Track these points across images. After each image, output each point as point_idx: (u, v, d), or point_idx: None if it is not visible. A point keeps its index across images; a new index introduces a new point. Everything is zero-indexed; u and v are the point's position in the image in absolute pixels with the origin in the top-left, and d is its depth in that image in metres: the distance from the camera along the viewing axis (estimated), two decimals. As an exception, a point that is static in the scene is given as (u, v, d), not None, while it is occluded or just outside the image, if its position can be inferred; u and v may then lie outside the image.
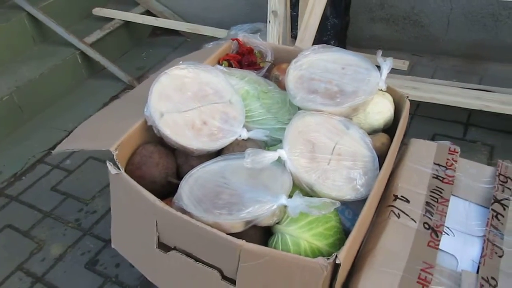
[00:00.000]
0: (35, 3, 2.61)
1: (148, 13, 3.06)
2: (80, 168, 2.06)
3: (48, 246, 1.70)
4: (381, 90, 1.19)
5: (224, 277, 0.95)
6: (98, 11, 2.95)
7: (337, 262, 0.84)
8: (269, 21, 2.02)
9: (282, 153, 1.01)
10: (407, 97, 1.21)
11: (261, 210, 0.91)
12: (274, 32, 2.02)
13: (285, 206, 0.93)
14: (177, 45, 3.00)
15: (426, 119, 2.09)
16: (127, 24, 2.93)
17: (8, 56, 2.53)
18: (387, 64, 1.17)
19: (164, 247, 1.02)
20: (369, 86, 1.16)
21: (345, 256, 0.85)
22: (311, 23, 1.96)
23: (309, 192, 1.02)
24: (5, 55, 2.52)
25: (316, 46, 1.26)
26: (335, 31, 2.39)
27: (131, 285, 1.53)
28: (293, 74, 1.21)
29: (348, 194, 1.01)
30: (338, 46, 2.37)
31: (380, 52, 1.19)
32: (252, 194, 0.95)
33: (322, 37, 2.42)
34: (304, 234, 0.93)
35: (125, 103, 1.37)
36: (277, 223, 0.98)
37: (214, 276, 0.94)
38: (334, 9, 2.33)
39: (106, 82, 2.67)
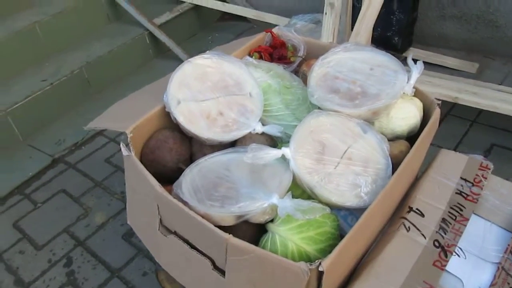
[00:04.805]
0: (111, -17, 2.76)
1: (219, -3, 3.10)
2: (132, 144, 2.16)
3: (93, 214, 1.82)
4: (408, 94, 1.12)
5: (216, 267, 0.96)
6: (171, -7, 3.05)
7: (320, 269, 0.82)
8: (325, 13, 1.97)
9: (286, 151, 0.99)
10: (438, 104, 1.13)
11: (252, 207, 0.91)
12: (329, 24, 1.96)
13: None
14: (241, 31, 3.02)
15: (486, 128, 1.93)
16: (196, 7, 2.99)
17: (84, 32, 2.70)
18: (417, 68, 1.10)
19: (165, 230, 1.05)
20: (393, 89, 1.10)
21: (330, 264, 0.83)
22: (368, 16, 1.87)
23: (311, 195, 1.00)
24: (81, 31, 2.69)
25: (348, 44, 1.21)
26: (400, 27, 2.26)
27: (159, 260, 1.59)
28: (318, 71, 1.18)
29: (350, 200, 0.98)
30: (403, 43, 2.31)
31: (411, 55, 1.12)
32: (248, 190, 0.95)
33: (386, 33, 2.31)
34: (293, 236, 0.91)
35: (158, 86, 1.41)
36: (271, 221, 0.97)
37: (207, 264, 0.96)
38: (400, 3, 2.21)
39: (171, 63, 2.75)
